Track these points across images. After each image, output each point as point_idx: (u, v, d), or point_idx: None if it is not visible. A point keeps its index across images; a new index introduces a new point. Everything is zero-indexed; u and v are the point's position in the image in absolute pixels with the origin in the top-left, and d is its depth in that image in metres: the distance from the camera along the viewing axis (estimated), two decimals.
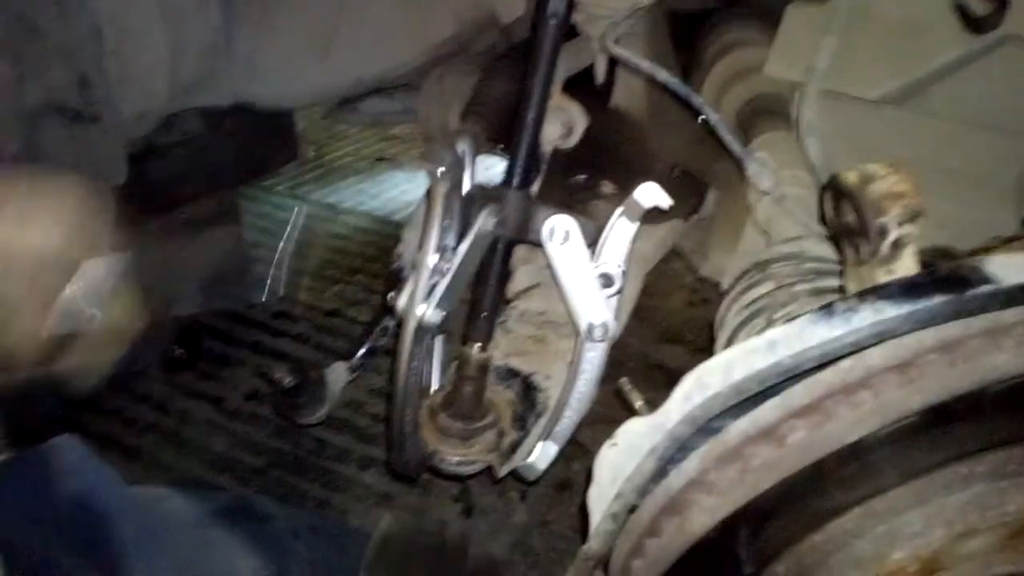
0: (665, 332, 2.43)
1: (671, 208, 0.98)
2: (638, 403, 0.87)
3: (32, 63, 1.38)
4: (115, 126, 1.52)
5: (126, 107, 1.53)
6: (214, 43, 1.60)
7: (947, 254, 0.98)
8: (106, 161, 1.53)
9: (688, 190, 1.55)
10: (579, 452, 1.80)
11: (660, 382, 2.20)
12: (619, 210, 0.97)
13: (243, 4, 1.61)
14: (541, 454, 1.04)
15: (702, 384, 0.64)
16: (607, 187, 1.46)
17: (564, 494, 1.81)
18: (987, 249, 0.97)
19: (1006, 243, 0.97)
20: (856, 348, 0.60)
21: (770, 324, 0.93)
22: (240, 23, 1.61)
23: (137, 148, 1.74)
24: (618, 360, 2.30)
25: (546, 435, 1.05)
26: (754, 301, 0.98)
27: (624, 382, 0.91)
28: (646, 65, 1.09)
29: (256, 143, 2.31)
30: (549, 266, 1.02)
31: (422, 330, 0.95)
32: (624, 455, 0.68)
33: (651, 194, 0.97)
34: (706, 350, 1.16)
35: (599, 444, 0.72)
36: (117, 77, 1.49)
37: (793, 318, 0.63)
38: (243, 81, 1.67)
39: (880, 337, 0.59)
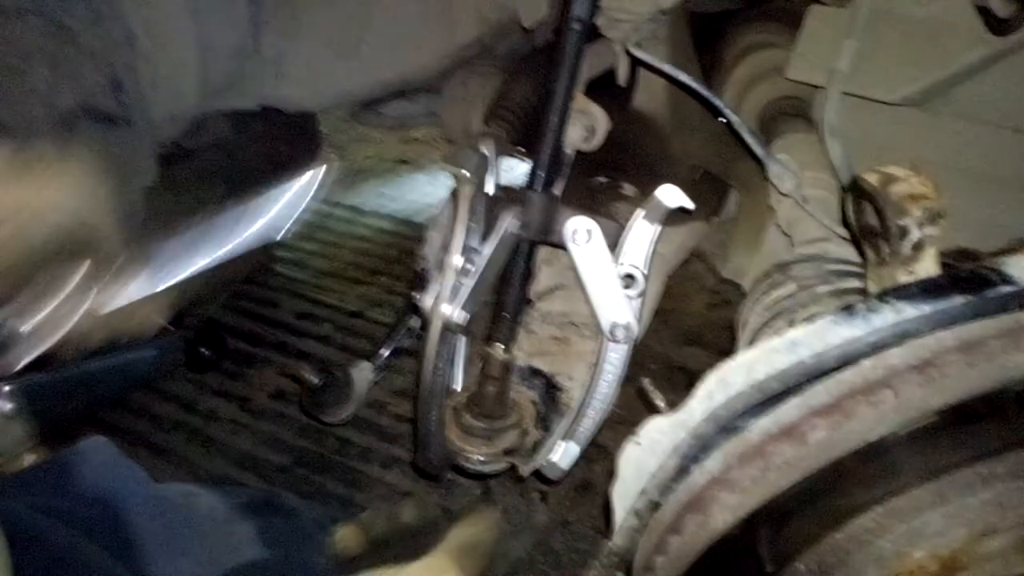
0: (686, 334, 2.43)
1: (692, 210, 0.99)
2: (660, 403, 0.89)
3: (65, 66, 1.41)
4: (146, 128, 1.55)
5: (157, 110, 1.56)
6: (242, 46, 1.62)
7: (969, 255, 0.98)
8: (137, 163, 1.56)
9: (709, 192, 1.56)
10: (600, 454, 1.81)
11: (681, 384, 2.21)
12: (640, 212, 0.98)
13: (271, 8, 1.63)
14: (564, 454, 1.06)
15: (725, 383, 0.65)
16: (629, 189, 1.47)
17: (585, 495, 1.82)
18: (1010, 251, 0.97)
19: None
20: (877, 348, 0.61)
21: (792, 325, 0.94)
22: (268, 27, 1.63)
23: (166, 150, 1.78)
24: (639, 362, 2.31)
25: (569, 435, 1.06)
26: (776, 302, 0.99)
27: (647, 382, 0.92)
28: (667, 68, 1.10)
29: (282, 145, 2.35)
30: (572, 267, 1.03)
31: (448, 330, 0.96)
32: (647, 452, 0.69)
33: (672, 195, 0.98)
34: (727, 352, 1.16)
35: (620, 446, 0.73)
36: (148, 80, 1.52)
37: (815, 318, 0.64)
38: (270, 84, 1.69)
39: (901, 337, 0.60)
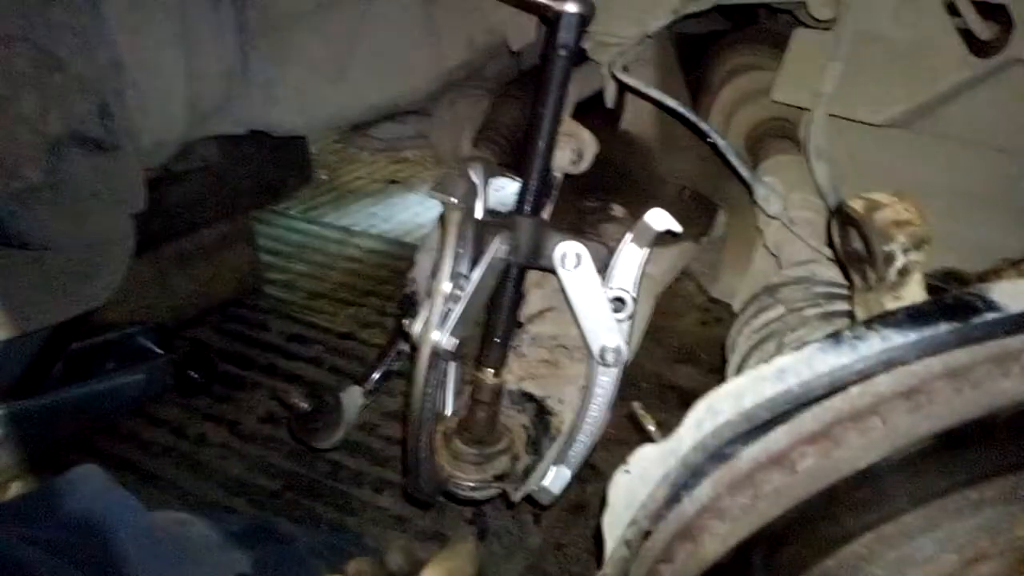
0: (679, 352, 2.44)
1: (681, 230, 1.00)
2: (651, 427, 0.88)
3: (54, 94, 1.42)
4: (134, 154, 1.55)
5: (145, 136, 1.56)
6: (231, 72, 1.63)
7: (956, 276, 0.99)
8: (126, 189, 1.55)
9: (698, 212, 1.56)
10: (593, 474, 1.80)
11: (674, 402, 2.21)
12: (628, 236, 0.99)
13: (259, 33, 1.64)
14: (555, 478, 1.05)
15: (713, 411, 0.65)
16: (618, 210, 1.48)
17: (578, 516, 1.82)
18: (996, 271, 0.98)
19: (1015, 265, 0.98)
20: (864, 376, 0.61)
21: (781, 348, 0.94)
22: (256, 53, 1.64)
23: (155, 174, 1.77)
24: (632, 381, 2.32)
25: (560, 459, 1.05)
26: (765, 325, 0.99)
27: (636, 406, 0.92)
28: (654, 92, 1.10)
29: (271, 168, 2.35)
30: (561, 291, 1.03)
31: (437, 356, 0.96)
32: (637, 481, 0.68)
33: (660, 219, 0.98)
34: (720, 370, 1.17)
35: (613, 466, 0.73)
36: (137, 107, 1.52)
37: (802, 345, 0.64)
38: (259, 109, 1.70)
39: (887, 365, 0.60)
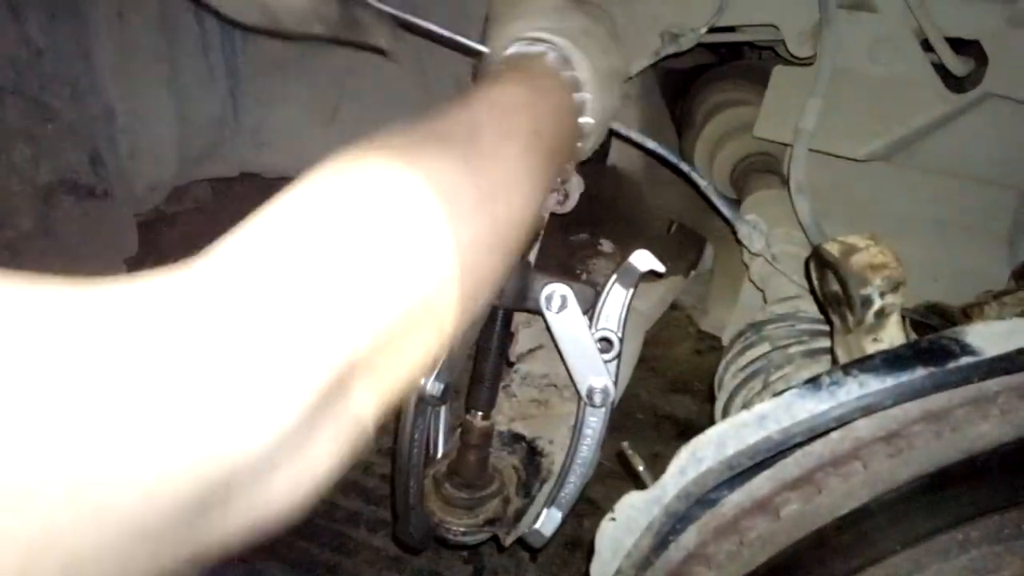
0: (673, 382, 2.44)
1: (669, 265, 1.01)
2: (640, 467, 0.89)
3: (46, 143, 1.43)
4: (126, 200, 1.56)
5: (137, 181, 1.58)
6: (222, 116, 1.65)
7: (939, 310, 1.00)
8: (117, 234, 1.57)
9: (686, 246, 1.58)
10: (590, 509, 1.80)
11: (669, 433, 2.20)
12: (613, 277, 1.00)
13: (249, 77, 1.66)
14: (546, 521, 1.05)
15: (696, 458, 0.66)
16: (607, 245, 1.49)
17: (575, 553, 1.81)
18: (979, 304, 0.99)
19: (996, 298, 0.98)
20: (842, 422, 0.61)
21: (767, 386, 0.94)
22: (246, 96, 1.66)
23: (148, 216, 1.78)
24: (627, 411, 2.30)
25: (551, 501, 1.05)
26: (751, 363, 1.00)
27: (626, 446, 0.92)
28: (635, 136, 1.12)
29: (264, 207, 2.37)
30: (548, 332, 1.04)
31: (423, 403, 0.96)
32: (622, 530, 0.69)
33: (644, 260, 1.00)
34: (714, 400, 1.17)
35: (611, 500, 0.73)
36: (128, 153, 1.54)
37: (783, 391, 0.65)
38: (250, 151, 1.72)
39: (865, 411, 0.61)
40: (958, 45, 1.13)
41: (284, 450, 0.41)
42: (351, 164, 0.55)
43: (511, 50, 0.91)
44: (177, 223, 2.13)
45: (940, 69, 1.16)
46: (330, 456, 0.48)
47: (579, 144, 0.92)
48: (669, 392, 2.38)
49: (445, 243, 0.54)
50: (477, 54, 1.01)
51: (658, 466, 0.70)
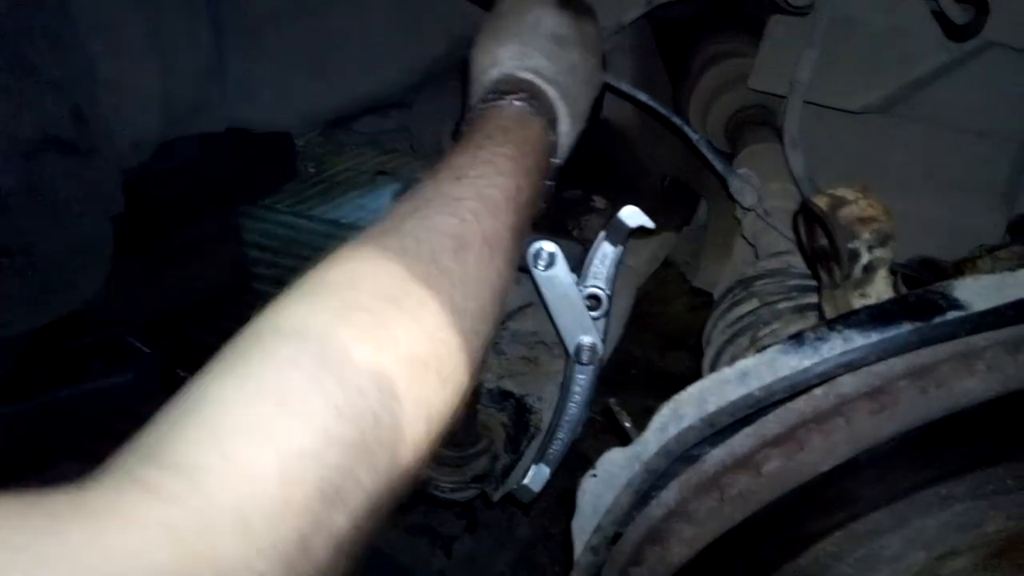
0: (668, 338, 2.43)
1: (662, 220, 0.99)
2: (627, 424, 0.88)
3: (27, 98, 1.40)
4: (110, 156, 1.54)
5: (121, 137, 1.55)
6: (206, 70, 1.61)
7: (931, 264, 0.98)
8: (103, 191, 1.54)
9: (679, 201, 1.56)
10: (581, 463, 1.80)
11: (663, 390, 2.20)
12: (602, 233, 0.98)
13: (234, 30, 1.62)
14: (534, 477, 1.05)
15: (677, 415, 0.65)
16: (600, 201, 1.47)
17: (567, 506, 1.82)
18: (972, 259, 0.97)
19: (990, 252, 0.97)
20: (825, 378, 0.60)
21: (755, 343, 0.93)
22: (232, 49, 1.62)
23: (135, 175, 1.76)
24: (621, 368, 2.30)
25: (539, 457, 1.05)
26: (739, 319, 0.98)
27: (613, 402, 0.92)
28: (625, 88, 1.09)
29: (254, 164, 2.34)
30: (536, 290, 1.03)
31: None
32: (604, 486, 0.68)
33: (633, 216, 0.98)
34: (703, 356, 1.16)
35: (602, 455, 0.72)
36: (111, 108, 1.51)
37: (767, 346, 0.64)
38: (237, 106, 1.68)
39: (849, 367, 0.60)
40: None
41: None
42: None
43: (495, 89, 0.88)
44: (166, 181, 2.11)
45: (940, 17, 1.13)
46: None
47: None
48: (664, 348, 2.38)
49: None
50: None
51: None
